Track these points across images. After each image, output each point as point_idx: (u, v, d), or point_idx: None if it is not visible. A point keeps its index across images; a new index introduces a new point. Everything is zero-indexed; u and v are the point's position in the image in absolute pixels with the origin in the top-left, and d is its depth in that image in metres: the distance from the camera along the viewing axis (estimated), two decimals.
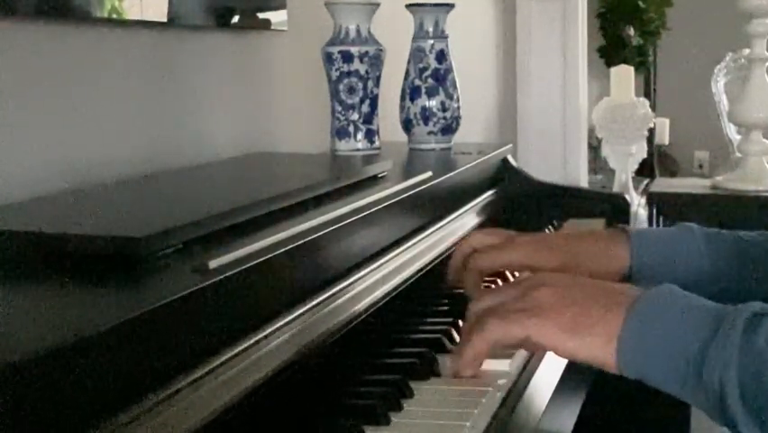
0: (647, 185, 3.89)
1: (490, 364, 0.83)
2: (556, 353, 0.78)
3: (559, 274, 0.84)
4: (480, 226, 1.33)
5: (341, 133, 1.43)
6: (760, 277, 0.97)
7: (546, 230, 1.45)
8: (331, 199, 0.97)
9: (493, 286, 1.04)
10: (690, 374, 0.70)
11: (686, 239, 0.99)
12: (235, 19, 1.40)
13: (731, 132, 4.14)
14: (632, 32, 5.09)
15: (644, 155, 3.85)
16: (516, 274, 1.08)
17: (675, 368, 0.71)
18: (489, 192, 1.47)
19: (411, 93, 1.56)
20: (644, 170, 4.35)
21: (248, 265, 0.71)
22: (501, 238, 1.01)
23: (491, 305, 0.80)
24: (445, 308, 1.03)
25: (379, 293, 0.92)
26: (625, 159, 3.70)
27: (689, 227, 1.01)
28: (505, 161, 1.60)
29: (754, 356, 0.68)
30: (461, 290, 1.02)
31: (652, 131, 4.24)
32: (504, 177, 1.58)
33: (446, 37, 1.55)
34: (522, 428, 0.81)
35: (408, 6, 1.57)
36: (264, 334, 0.72)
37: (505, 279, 1.09)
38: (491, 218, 1.41)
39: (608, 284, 0.81)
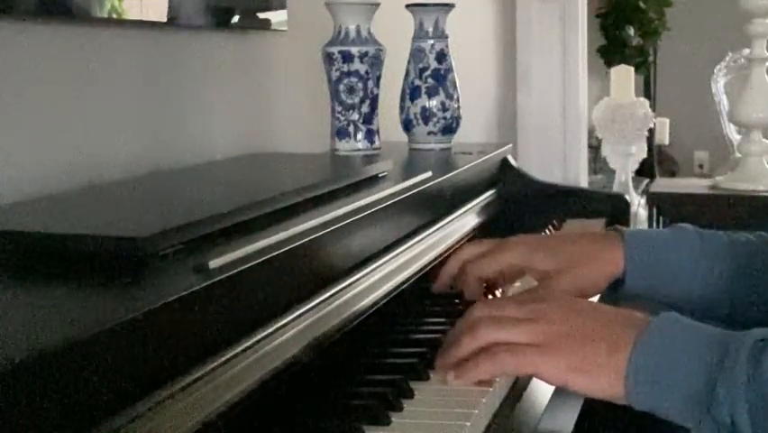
0: (647, 185, 3.90)
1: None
2: (565, 388, 0.78)
3: (566, 303, 0.83)
4: (480, 227, 1.33)
5: (341, 133, 1.43)
6: (754, 278, 0.97)
7: (546, 230, 1.45)
8: (331, 199, 0.97)
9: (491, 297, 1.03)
10: (700, 410, 0.71)
11: (680, 240, 0.99)
12: (235, 19, 1.40)
13: (731, 132, 4.14)
14: (632, 32, 5.09)
15: (644, 155, 3.85)
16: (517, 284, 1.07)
17: (684, 404, 0.72)
18: (489, 192, 1.47)
19: (411, 93, 1.56)
20: (644, 170, 4.35)
21: (248, 265, 0.71)
22: (491, 245, 1.01)
23: (500, 338, 0.79)
24: (445, 308, 1.03)
25: (379, 293, 0.92)
26: (625, 159, 3.70)
27: (683, 228, 1.01)
28: (505, 160, 1.60)
29: (761, 389, 0.68)
30: (459, 290, 1.02)
31: (652, 131, 4.24)
32: (504, 177, 1.58)
33: (446, 37, 1.55)
34: (522, 428, 0.81)
35: (408, 6, 1.57)
36: (264, 334, 0.72)
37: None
38: (491, 218, 1.41)
39: (613, 312, 0.81)
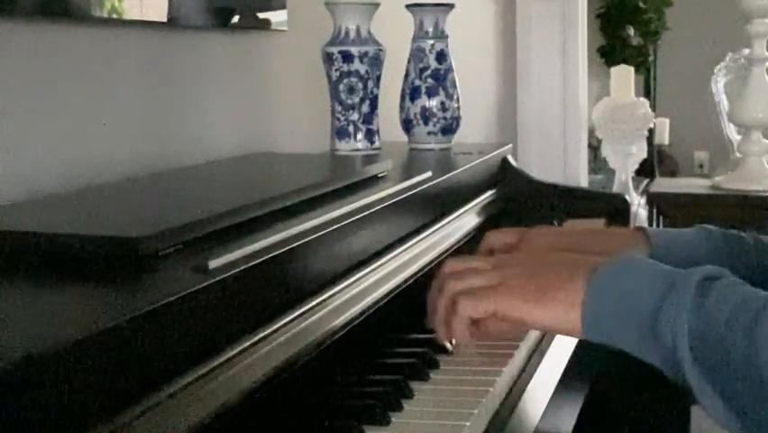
0: (647, 185, 3.90)
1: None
2: (524, 324, 0.81)
3: (529, 252, 0.87)
4: (480, 226, 1.33)
5: (341, 133, 1.43)
6: None
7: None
8: (331, 199, 0.97)
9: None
10: (646, 334, 0.73)
11: (706, 242, 0.98)
12: (235, 19, 1.40)
13: (731, 132, 4.14)
14: (632, 32, 5.09)
15: (644, 155, 3.85)
16: None
17: (632, 328, 0.74)
18: (489, 192, 1.47)
19: (411, 93, 1.56)
20: (644, 170, 4.35)
21: (248, 265, 0.71)
22: (517, 235, 1.01)
23: (462, 287, 0.82)
24: None
25: (379, 293, 0.92)
26: (625, 159, 3.70)
27: (708, 229, 1.00)
28: (505, 161, 1.60)
29: (703, 315, 0.71)
30: None
31: (652, 131, 4.24)
32: (504, 177, 1.58)
33: (446, 37, 1.55)
34: (522, 428, 0.81)
35: (408, 6, 1.57)
36: (264, 334, 0.72)
37: None
38: (491, 218, 1.41)
39: (571, 255, 0.84)
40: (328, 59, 1.41)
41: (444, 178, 1.23)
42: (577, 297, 0.76)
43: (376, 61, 1.41)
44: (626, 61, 4.39)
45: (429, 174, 1.17)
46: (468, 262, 0.86)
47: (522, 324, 0.80)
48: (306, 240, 0.81)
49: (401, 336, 0.95)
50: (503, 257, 0.86)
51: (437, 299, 0.84)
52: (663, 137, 5.30)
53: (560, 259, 0.83)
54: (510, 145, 1.68)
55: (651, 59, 5.35)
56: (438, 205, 1.20)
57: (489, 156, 1.50)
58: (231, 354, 0.67)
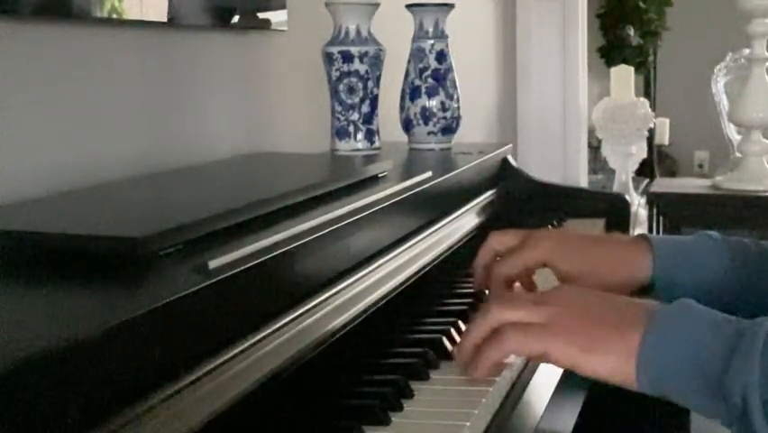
0: (647, 185, 3.90)
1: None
2: (576, 371, 0.77)
3: (578, 290, 0.83)
4: (480, 226, 1.33)
5: (341, 133, 1.43)
6: None
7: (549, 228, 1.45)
8: (331, 199, 0.97)
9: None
10: (712, 392, 0.70)
11: (708, 249, 0.97)
12: (235, 19, 1.40)
13: (731, 132, 4.14)
14: (632, 32, 5.09)
15: (644, 155, 3.85)
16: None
17: (696, 385, 0.71)
18: (489, 192, 1.47)
19: (411, 93, 1.56)
20: (644, 170, 4.35)
21: (248, 265, 0.71)
22: (520, 237, 0.99)
23: (511, 318, 0.79)
24: (446, 307, 1.03)
25: (379, 293, 0.92)
26: (625, 159, 3.70)
27: (710, 236, 0.98)
28: (505, 161, 1.60)
29: None
30: (468, 290, 1.02)
31: (652, 131, 4.24)
32: (504, 177, 1.58)
33: (446, 37, 1.55)
34: (522, 428, 0.81)
35: (408, 6, 1.57)
36: (264, 334, 0.72)
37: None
38: (491, 218, 1.41)
39: (625, 299, 0.81)
40: (328, 59, 1.41)
41: (444, 178, 1.23)
42: (633, 348, 0.73)
43: (376, 61, 1.41)
44: (626, 61, 4.39)
45: (429, 174, 1.17)
46: (516, 294, 0.85)
47: (572, 369, 0.77)
48: (306, 240, 0.81)
49: (401, 336, 0.95)
50: (546, 293, 0.82)
51: (478, 321, 0.80)
52: (663, 137, 5.30)
53: (613, 303, 0.79)
54: (510, 145, 1.68)
55: (651, 59, 5.35)
56: (438, 205, 1.20)
57: (488, 156, 1.50)
58: (231, 354, 0.67)
